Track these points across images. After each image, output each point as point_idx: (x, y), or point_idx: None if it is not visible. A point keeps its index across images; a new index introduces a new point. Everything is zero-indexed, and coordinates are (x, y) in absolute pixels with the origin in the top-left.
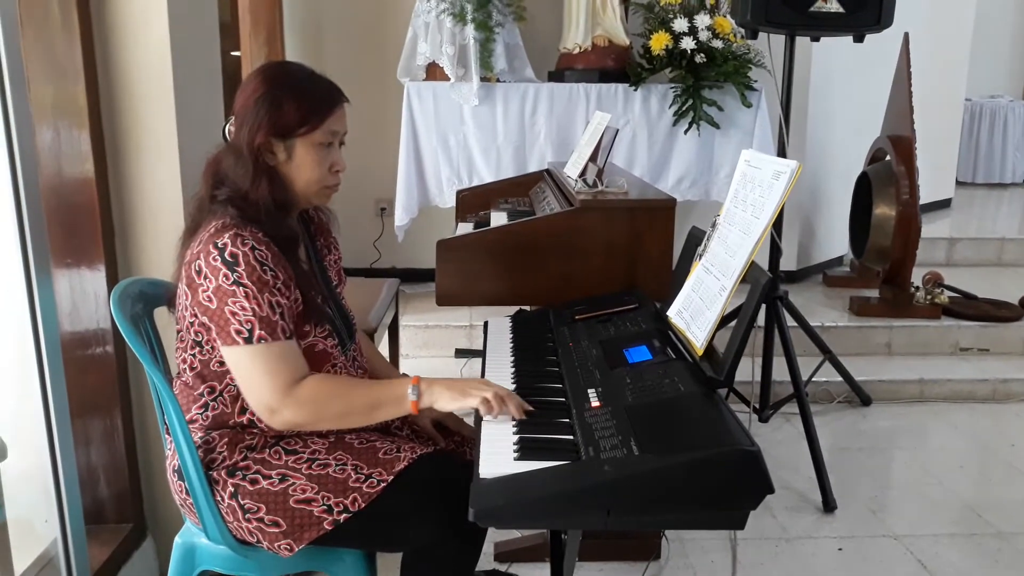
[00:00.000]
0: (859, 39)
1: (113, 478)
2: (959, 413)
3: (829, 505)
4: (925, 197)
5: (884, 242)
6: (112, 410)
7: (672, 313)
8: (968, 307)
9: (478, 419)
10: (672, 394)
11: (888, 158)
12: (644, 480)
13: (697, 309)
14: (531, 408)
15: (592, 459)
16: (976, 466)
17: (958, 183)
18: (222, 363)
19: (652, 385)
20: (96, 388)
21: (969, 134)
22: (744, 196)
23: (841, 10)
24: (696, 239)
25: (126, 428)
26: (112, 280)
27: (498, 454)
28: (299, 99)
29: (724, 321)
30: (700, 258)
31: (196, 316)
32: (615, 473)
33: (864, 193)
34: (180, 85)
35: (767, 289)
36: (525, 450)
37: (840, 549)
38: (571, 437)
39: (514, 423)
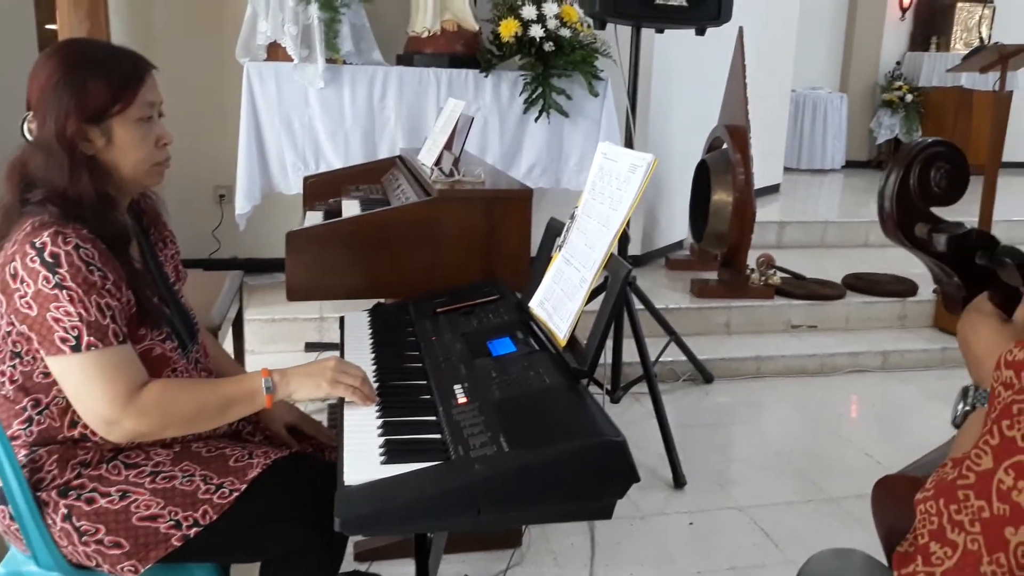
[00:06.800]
0: (700, 32)
1: None
2: (792, 387)
3: (679, 481)
4: (757, 183)
5: (722, 227)
6: None
7: (534, 304)
8: (797, 287)
9: (339, 420)
10: (538, 386)
11: (725, 146)
12: (514, 477)
13: (559, 300)
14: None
15: (462, 458)
16: (809, 436)
17: (785, 169)
18: (47, 374)
19: (518, 378)
20: None
21: (794, 123)
22: (601, 188)
23: (684, 4)
24: (555, 230)
25: None
26: None
27: (363, 459)
28: (104, 76)
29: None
30: (560, 249)
31: (13, 325)
32: (485, 472)
33: (703, 180)
34: None
35: (627, 281)
36: (392, 452)
37: (691, 523)
38: (439, 436)
39: (379, 425)
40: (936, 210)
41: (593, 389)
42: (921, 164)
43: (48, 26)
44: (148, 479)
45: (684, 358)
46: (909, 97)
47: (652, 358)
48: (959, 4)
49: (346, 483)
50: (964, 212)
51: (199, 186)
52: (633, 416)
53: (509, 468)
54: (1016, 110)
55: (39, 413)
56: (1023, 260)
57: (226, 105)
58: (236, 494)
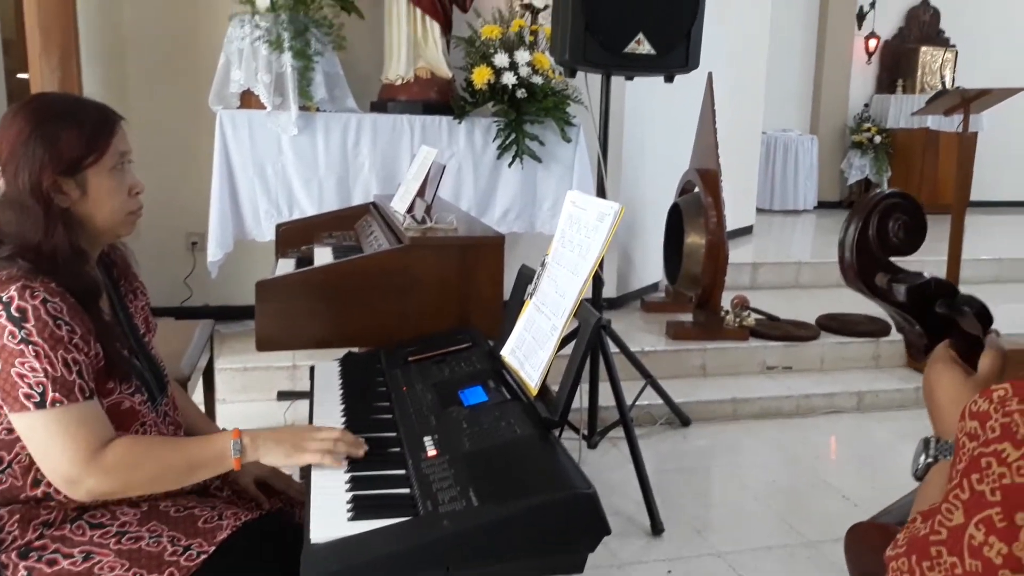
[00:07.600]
0: (669, 79)
1: None
2: (768, 429)
3: (657, 528)
4: (730, 225)
5: (695, 269)
6: None
7: (506, 352)
8: (772, 328)
9: (307, 474)
10: (509, 437)
11: (697, 190)
12: (483, 532)
13: (530, 349)
14: (363, 443)
15: (430, 514)
16: (786, 479)
17: (758, 211)
18: (10, 430)
19: (489, 429)
20: None
21: (766, 165)
22: (571, 237)
23: (653, 52)
24: (526, 277)
25: None
26: None
27: (331, 515)
28: (76, 128)
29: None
30: (531, 297)
31: None
32: (454, 528)
33: (676, 223)
34: None
35: (598, 329)
36: (360, 509)
37: (669, 572)
38: (408, 491)
39: (347, 480)
40: (910, 251)
41: (570, 435)
42: (879, 215)
43: (19, 75)
44: (113, 540)
45: (661, 401)
46: (878, 138)
47: (628, 402)
48: (923, 48)
49: (312, 540)
50: (932, 251)
51: (171, 234)
52: (610, 462)
53: (477, 524)
54: (981, 151)
55: (1, 472)
56: (982, 309)
57: (199, 153)
58: (204, 556)
